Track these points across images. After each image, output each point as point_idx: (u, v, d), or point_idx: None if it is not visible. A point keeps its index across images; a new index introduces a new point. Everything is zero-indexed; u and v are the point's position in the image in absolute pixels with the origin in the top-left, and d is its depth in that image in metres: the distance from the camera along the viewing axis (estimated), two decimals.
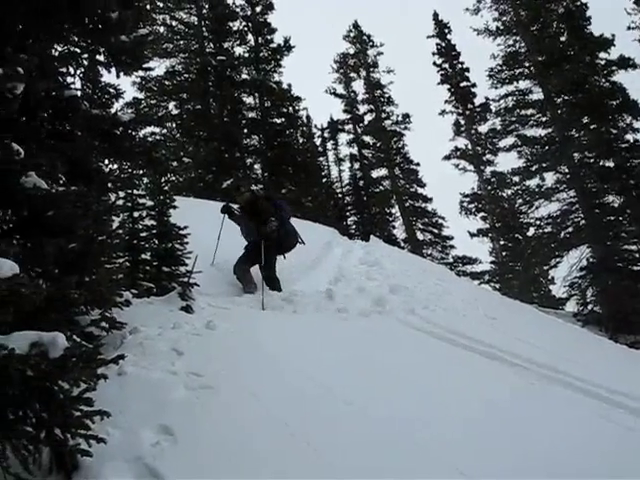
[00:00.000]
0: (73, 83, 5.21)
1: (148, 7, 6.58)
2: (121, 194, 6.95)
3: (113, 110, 5.67)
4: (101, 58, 5.24)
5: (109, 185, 5.77)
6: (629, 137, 24.64)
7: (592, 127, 24.97)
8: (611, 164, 24.30)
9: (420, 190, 35.68)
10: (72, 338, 3.47)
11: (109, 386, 3.65)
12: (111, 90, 5.83)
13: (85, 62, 5.27)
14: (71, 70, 5.15)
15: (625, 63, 25.23)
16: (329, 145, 37.69)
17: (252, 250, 8.91)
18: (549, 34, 27.67)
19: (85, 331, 4.30)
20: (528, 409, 5.21)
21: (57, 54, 5.02)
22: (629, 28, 25.85)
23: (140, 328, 5.40)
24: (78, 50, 5.10)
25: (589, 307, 23.36)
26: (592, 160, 25.03)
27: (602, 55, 25.82)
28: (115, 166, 6.17)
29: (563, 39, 27.32)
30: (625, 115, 24.78)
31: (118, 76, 5.30)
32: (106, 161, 5.86)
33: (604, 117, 24.42)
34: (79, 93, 5.19)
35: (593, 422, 5.20)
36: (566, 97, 26.45)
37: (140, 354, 4.81)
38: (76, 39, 4.93)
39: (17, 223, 3.62)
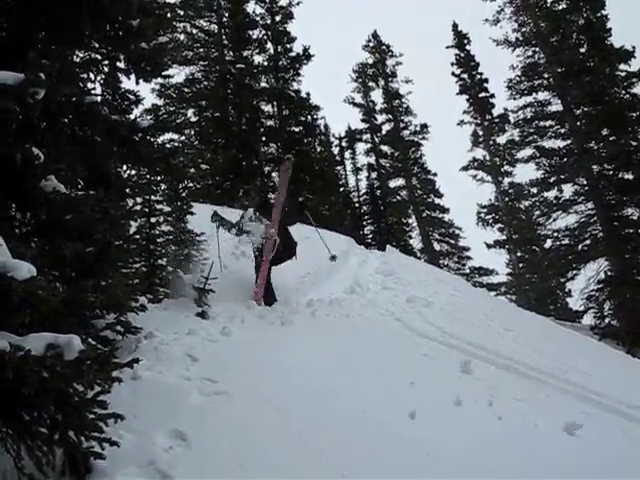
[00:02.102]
0: (94, 89, 5.26)
1: (169, 15, 6.61)
2: (139, 200, 7.00)
3: (132, 116, 5.72)
4: (121, 65, 5.29)
5: (127, 190, 5.81)
6: None
7: (611, 139, 24.81)
8: (630, 176, 24.11)
9: (437, 200, 35.64)
10: (87, 341, 3.49)
11: (123, 390, 3.67)
12: (131, 96, 5.89)
13: (105, 69, 5.32)
14: (92, 76, 5.20)
15: None
16: (347, 154, 37.71)
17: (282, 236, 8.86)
18: (569, 45, 27.54)
19: (100, 335, 4.32)
20: (544, 423, 5.17)
21: (78, 60, 5.07)
22: None
23: (155, 333, 5.42)
24: (99, 57, 5.15)
25: (606, 320, 23.13)
26: (611, 172, 24.84)
27: (622, 67, 25.70)
28: (133, 172, 6.21)
29: (583, 50, 27.19)
30: None
31: (137, 83, 5.33)
32: (125, 167, 5.90)
33: (624, 129, 24.25)
34: (99, 99, 5.23)
35: (612, 437, 5.15)
36: (585, 109, 26.31)
37: (155, 359, 4.83)
38: (97, 46, 4.97)
39: (36, 226, 3.65)
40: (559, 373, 6.99)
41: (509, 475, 3.93)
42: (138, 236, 6.70)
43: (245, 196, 9.66)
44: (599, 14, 26.78)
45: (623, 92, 25.52)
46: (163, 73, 5.78)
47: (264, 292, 8.45)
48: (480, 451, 4.23)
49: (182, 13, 27.25)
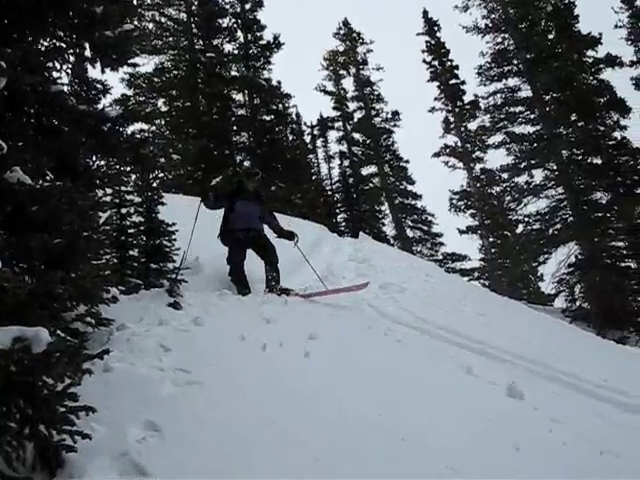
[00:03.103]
0: (60, 78, 5.18)
1: (135, 2, 6.53)
2: (109, 190, 6.93)
3: (100, 106, 5.64)
4: (87, 53, 5.21)
5: (97, 181, 5.74)
6: (616, 134, 24.99)
7: (580, 124, 25.20)
8: (599, 161, 24.54)
9: (409, 187, 35.85)
10: (56, 333, 3.45)
11: (95, 382, 3.62)
12: (98, 86, 5.79)
13: (72, 57, 5.24)
14: (57, 65, 5.11)
15: (612, 61, 25.49)
16: (319, 142, 37.69)
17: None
18: (537, 32, 27.87)
19: (71, 327, 4.27)
20: (517, 406, 5.22)
21: (43, 49, 4.99)
22: (616, 26, 26.16)
23: (127, 324, 5.37)
24: (64, 45, 5.07)
25: (577, 303, 23.55)
26: (580, 157, 25.25)
27: (590, 53, 26.17)
28: (102, 162, 6.13)
29: (551, 37, 27.54)
30: (612, 113, 25.04)
31: (103, 71, 5.27)
32: (94, 157, 5.83)
33: (592, 114, 24.64)
34: (66, 88, 5.15)
35: (582, 417, 5.22)
36: (554, 94, 26.67)
37: (127, 350, 4.78)
38: (61, 34, 4.89)
39: (1, 218, 3.60)
40: (531, 356, 7.07)
41: (486, 457, 3.96)
42: (108, 227, 6.64)
43: (251, 177, 9.40)
44: (566, 1, 27.11)
45: (591, 78, 25.97)
46: (129, 62, 5.68)
47: None
48: (458, 436, 4.26)
49: (149, 1, 27.00)
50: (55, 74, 5.06)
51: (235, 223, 8.92)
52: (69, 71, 5.35)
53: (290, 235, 9.31)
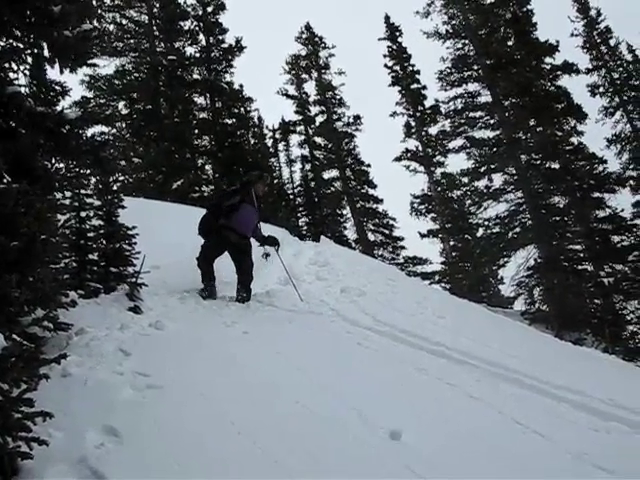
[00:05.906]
0: (17, 79, 5.10)
1: (94, 3, 6.45)
2: (68, 193, 6.82)
3: (59, 108, 5.57)
4: (45, 53, 5.14)
5: (55, 184, 5.65)
6: (573, 140, 25.48)
7: (538, 130, 25.60)
8: (556, 166, 24.94)
9: (371, 191, 35.88)
10: (12, 338, 3.39)
11: (53, 387, 3.58)
12: (57, 87, 5.72)
13: (29, 58, 5.16)
14: (14, 66, 5.04)
15: (569, 68, 26.03)
16: (280, 146, 37.66)
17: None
18: (497, 38, 28.24)
19: (28, 331, 4.19)
20: (476, 407, 5.28)
21: None
22: (572, 35, 26.89)
23: (87, 329, 5.30)
24: (21, 45, 4.99)
25: (536, 305, 23.88)
26: (538, 162, 25.65)
27: (548, 60, 26.62)
28: (62, 165, 6.05)
29: (510, 43, 27.93)
30: (569, 118, 25.52)
31: (62, 72, 5.20)
32: (52, 160, 5.74)
33: (550, 120, 25.05)
34: (23, 90, 5.08)
35: (542, 418, 5.30)
36: (513, 100, 27.05)
37: (86, 355, 4.73)
38: (18, 34, 4.82)
39: None
40: (491, 358, 7.15)
41: (438, 454, 4.00)
42: (68, 231, 6.55)
43: (263, 181, 9.08)
44: (525, 9, 27.61)
45: (549, 84, 26.41)
46: (89, 62, 5.61)
47: None
48: (415, 433, 4.29)
49: (110, 3, 26.75)
50: (12, 75, 4.99)
51: (233, 223, 8.52)
52: (27, 72, 5.27)
53: (273, 241, 9.21)
